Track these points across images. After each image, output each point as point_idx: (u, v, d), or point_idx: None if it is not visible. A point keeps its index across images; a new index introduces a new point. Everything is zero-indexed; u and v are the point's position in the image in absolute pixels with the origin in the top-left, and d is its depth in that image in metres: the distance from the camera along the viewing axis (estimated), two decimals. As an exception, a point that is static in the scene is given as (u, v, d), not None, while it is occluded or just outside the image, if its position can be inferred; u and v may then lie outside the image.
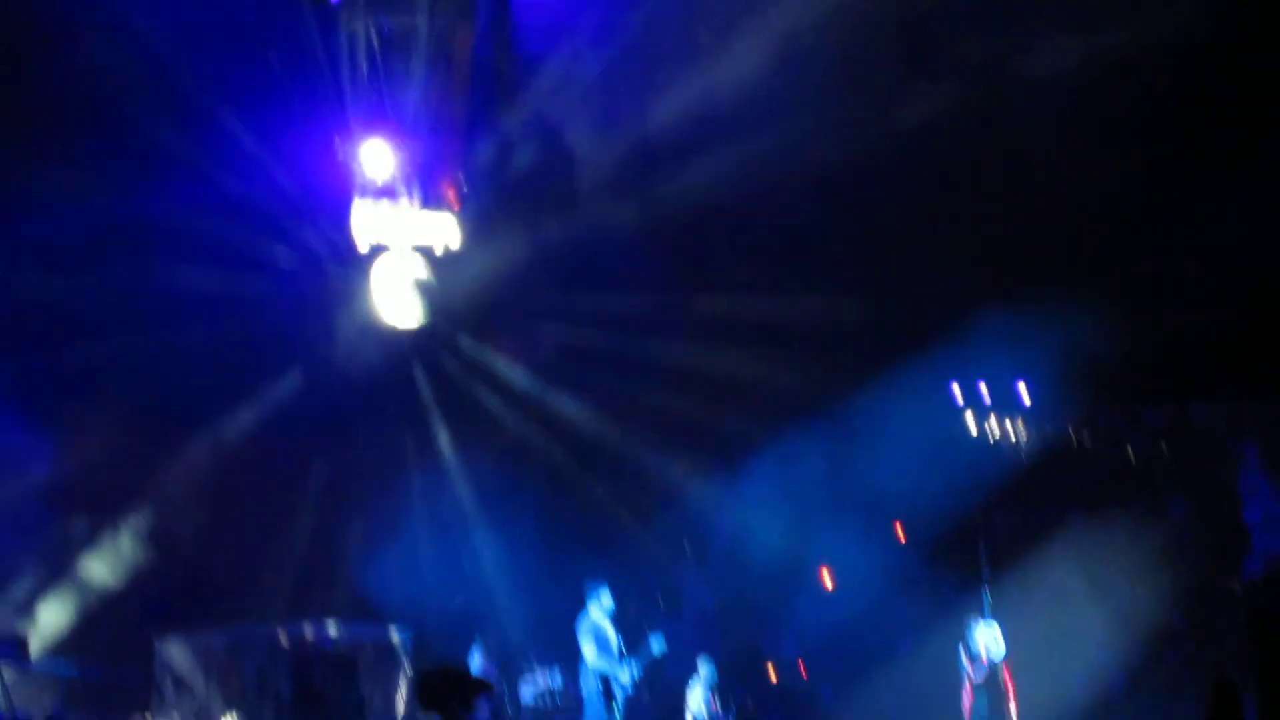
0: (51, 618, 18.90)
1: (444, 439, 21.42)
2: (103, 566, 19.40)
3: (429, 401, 21.35)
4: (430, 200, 17.76)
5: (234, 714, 16.92)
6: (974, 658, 17.00)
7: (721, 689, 18.01)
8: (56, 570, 19.21)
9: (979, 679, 16.95)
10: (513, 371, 21.43)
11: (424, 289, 17.73)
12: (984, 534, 20.23)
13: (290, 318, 19.49)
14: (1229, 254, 17.53)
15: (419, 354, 20.75)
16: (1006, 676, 16.98)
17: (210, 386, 19.47)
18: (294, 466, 20.54)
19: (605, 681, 15.69)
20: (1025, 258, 18.92)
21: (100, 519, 19.64)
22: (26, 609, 18.82)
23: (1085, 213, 18.46)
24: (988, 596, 17.41)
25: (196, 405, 19.76)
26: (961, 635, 17.16)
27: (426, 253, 17.81)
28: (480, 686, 9.72)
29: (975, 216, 19.08)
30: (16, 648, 15.17)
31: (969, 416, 22.09)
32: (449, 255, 18.06)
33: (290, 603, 19.77)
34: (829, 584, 22.12)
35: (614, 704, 15.70)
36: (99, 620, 18.99)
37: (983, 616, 17.28)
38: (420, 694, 10.62)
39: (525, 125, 19.37)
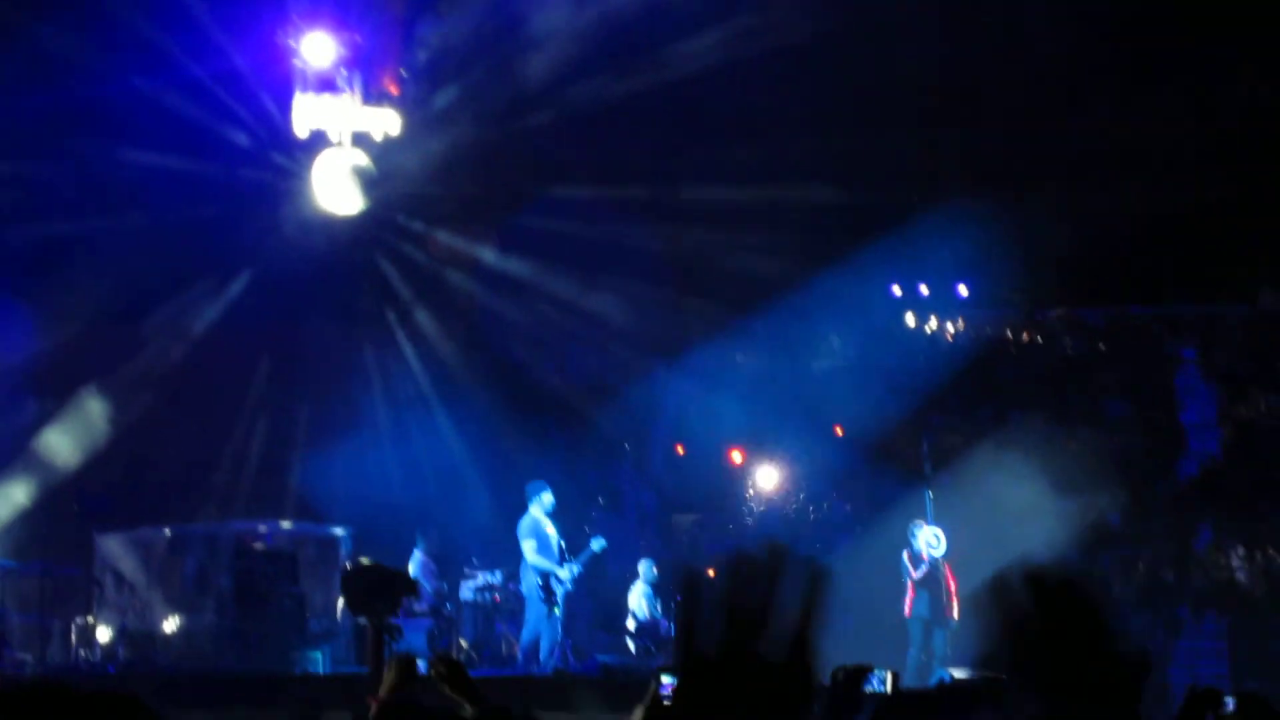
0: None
1: (394, 333, 21.27)
2: (45, 458, 19.20)
3: (381, 294, 21.17)
4: (371, 93, 17.54)
5: (175, 611, 16.87)
6: (915, 556, 17.10)
7: (662, 589, 18.10)
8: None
9: (919, 576, 17.06)
10: (466, 261, 21.25)
11: (363, 175, 17.54)
12: (925, 432, 20.29)
13: (241, 207, 19.25)
14: (1170, 158, 17.50)
15: (369, 246, 20.55)
16: (948, 574, 17.08)
17: (160, 274, 19.27)
18: (241, 361, 20.37)
19: (545, 579, 15.73)
20: (967, 157, 18.84)
21: (45, 406, 19.44)
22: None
23: (1030, 112, 18.37)
24: (929, 495, 17.46)
25: (147, 293, 19.56)
26: (903, 533, 17.27)
27: (364, 140, 17.66)
28: (407, 586, 9.68)
29: (923, 114, 18.95)
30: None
31: (909, 315, 22.07)
32: (396, 144, 17.89)
33: (235, 500, 19.68)
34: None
35: (554, 602, 15.77)
36: (40, 515, 18.81)
37: (924, 515, 17.37)
38: (346, 596, 10.56)
39: (478, 9, 19.02)
